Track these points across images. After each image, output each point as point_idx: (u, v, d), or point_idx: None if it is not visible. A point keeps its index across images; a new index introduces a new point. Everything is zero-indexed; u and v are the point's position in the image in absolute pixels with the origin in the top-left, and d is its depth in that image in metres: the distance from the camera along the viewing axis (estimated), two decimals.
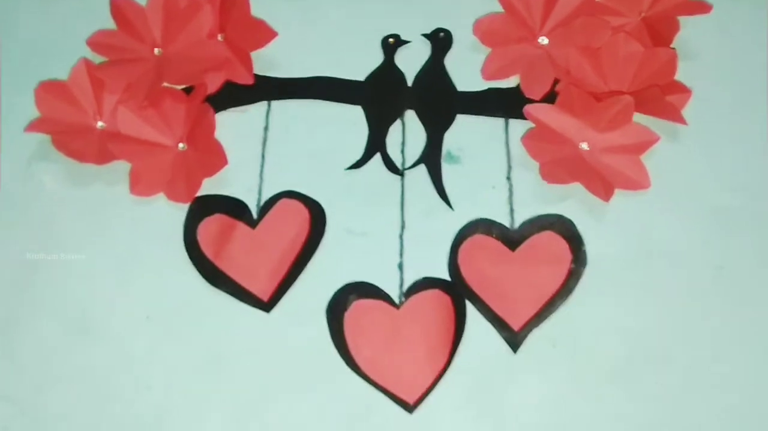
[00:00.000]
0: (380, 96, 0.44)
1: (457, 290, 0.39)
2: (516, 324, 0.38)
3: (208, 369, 0.37)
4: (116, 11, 0.44)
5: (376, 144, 0.42)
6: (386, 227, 0.40)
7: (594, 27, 0.43)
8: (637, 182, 0.40)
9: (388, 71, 0.44)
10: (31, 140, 0.42)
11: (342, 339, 0.38)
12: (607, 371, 0.37)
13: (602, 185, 0.40)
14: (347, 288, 0.39)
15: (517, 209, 0.41)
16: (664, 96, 0.41)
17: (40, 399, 0.37)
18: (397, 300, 0.39)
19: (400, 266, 0.39)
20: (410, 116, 0.43)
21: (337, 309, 0.38)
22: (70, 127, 0.41)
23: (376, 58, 0.45)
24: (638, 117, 0.41)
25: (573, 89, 0.40)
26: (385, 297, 0.39)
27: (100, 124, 0.42)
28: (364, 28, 0.45)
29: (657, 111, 0.41)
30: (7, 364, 0.37)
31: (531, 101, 0.42)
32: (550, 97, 0.42)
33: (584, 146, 0.41)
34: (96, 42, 0.43)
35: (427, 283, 0.39)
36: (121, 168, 0.41)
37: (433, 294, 0.38)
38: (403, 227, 0.40)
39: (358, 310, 0.38)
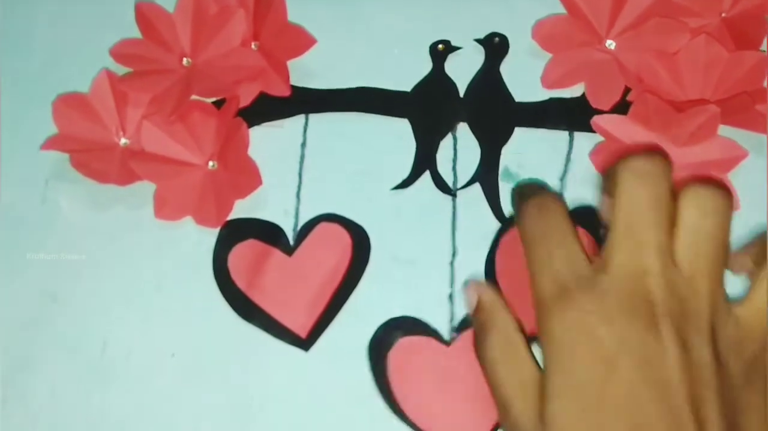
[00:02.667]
0: (429, 108, 0.39)
1: None
2: None
3: (239, 413, 0.34)
4: (141, 18, 0.40)
5: (424, 161, 0.38)
6: (436, 254, 0.36)
7: (669, 29, 0.38)
8: None
9: (437, 81, 0.40)
10: (48, 158, 0.38)
11: (386, 382, 0.34)
12: None
13: None
14: (391, 324, 0.35)
15: None
16: (753, 105, 0.36)
17: None
18: (447, 337, 0.34)
19: (451, 298, 0.35)
20: (463, 129, 0.39)
21: (380, 348, 0.34)
22: (91, 144, 0.38)
23: (424, 67, 0.40)
24: (722, 130, 0.36)
25: (650, 98, 0.36)
26: (433, 334, 0.35)
27: (123, 141, 0.39)
28: (411, 34, 0.41)
29: (745, 122, 0.36)
30: (20, 409, 0.34)
31: (598, 112, 0.38)
32: (619, 108, 0.38)
33: None
34: (119, 52, 0.40)
35: None
36: (145, 190, 0.37)
37: None
38: (454, 253, 0.36)
39: (403, 349, 0.34)
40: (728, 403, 0.25)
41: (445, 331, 0.35)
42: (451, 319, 0.35)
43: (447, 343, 0.34)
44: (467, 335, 0.34)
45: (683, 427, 0.24)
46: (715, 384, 0.26)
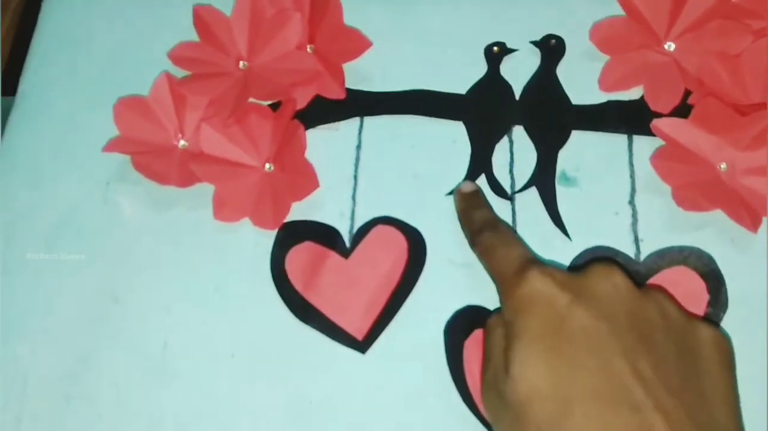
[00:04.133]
0: (484, 111, 0.39)
1: None
2: None
3: (296, 414, 0.34)
4: (199, 22, 0.41)
5: (480, 164, 0.38)
6: None
7: (731, 31, 0.38)
8: None
9: (492, 83, 0.40)
10: (109, 160, 0.39)
11: (461, 371, 0.34)
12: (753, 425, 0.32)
13: (748, 213, 0.34)
14: (467, 312, 0.35)
15: (643, 239, 0.36)
16: None
17: None
18: None
19: None
20: (519, 132, 0.39)
21: (456, 336, 0.34)
22: (151, 146, 0.39)
23: (480, 69, 0.40)
24: None
25: (712, 101, 0.35)
26: None
27: (181, 143, 0.39)
28: (466, 36, 0.41)
29: None
30: (83, 404, 0.34)
31: (657, 115, 0.37)
32: (678, 111, 0.37)
33: (723, 166, 0.36)
34: (177, 55, 0.40)
35: None
36: (204, 191, 0.38)
37: None
38: None
39: (479, 339, 0.34)
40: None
41: None
42: None
43: None
44: None
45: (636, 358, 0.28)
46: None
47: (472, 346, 0.34)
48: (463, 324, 0.35)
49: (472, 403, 0.33)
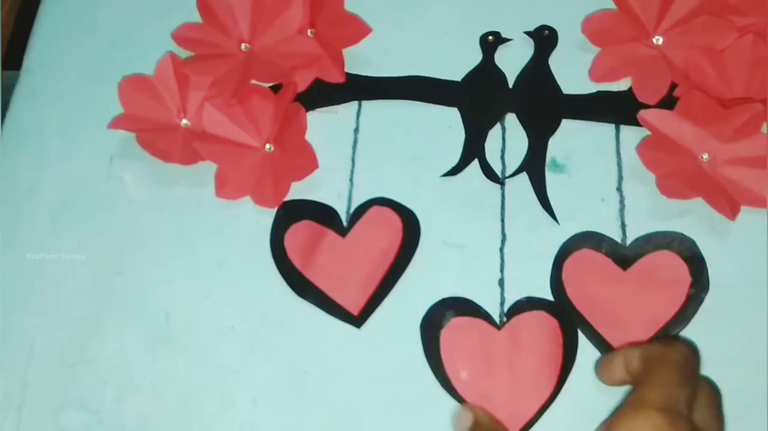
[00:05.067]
0: (478, 98, 0.41)
1: (565, 313, 0.36)
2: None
3: (294, 384, 0.35)
4: (202, 4, 0.42)
5: (473, 149, 0.40)
6: (484, 240, 0.38)
7: (717, 27, 0.39)
8: (766, 198, 0.36)
9: (487, 71, 0.41)
10: (114, 136, 0.40)
11: (438, 358, 0.35)
12: (730, 407, 0.34)
13: (727, 202, 0.36)
14: (444, 303, 0.36)
15: (629, 224, 0.37)
16: None
17: (120, 409, 0.35)
18: (497, 320, 0.36)
19: (501, 283, 0.37)
20: (511, 119, 0.40)
21: (432, 326, 0.36)
22: (155, 124, 0.40)
23: (475, 58, 0.42)
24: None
25: (696, 94, 0.37)
26: (485, 316, 0.36)
27: (184, 122, 0.40)
28: (462, 25, 0.42)
29: None
30: (88, 370, 0.36)
31: (644, 106, 0.39)
32: (665, 103, 0.39)
33: (705, 157, 0.37)
34: (181, 35, 0.42)
35: (530, 304, 0.36)
36: (205, 169, 0.39)
37: (539, 316, 0.35)
38: (503, 240, 0.37)
39: (455, 328, 0.36)
40: None
41: (495, 314, 0.36)
42: (502, 303, 0.36)
43: (498, 326, 0.36)
44: (518, 320, 0.36)
45: None
46: None
47: (449, 335, 0.35)
48: (438, 315, 0.36)
49: (448, 387, 0.35)
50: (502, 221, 0.38)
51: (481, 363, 0.35)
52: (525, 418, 0.34)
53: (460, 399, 0.35)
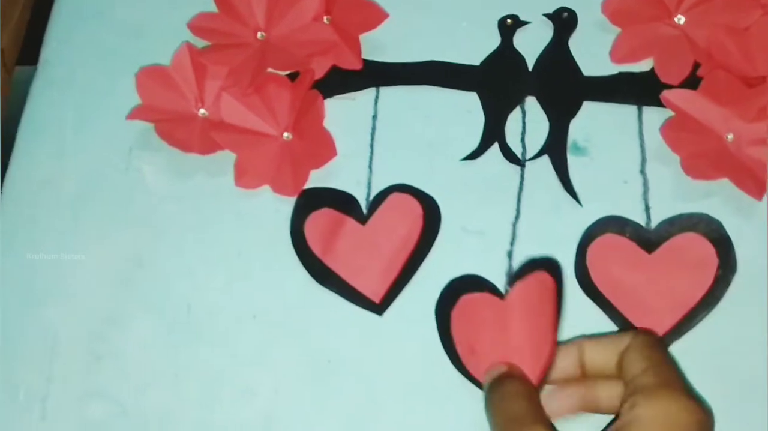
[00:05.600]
0: (498, 82, 0.40)
1: (557, 266, 0.36)
2: None
3: (316, 373, 0.35)
4: None
5: (493, 133, 0.39)
6: (505, 225, 0.37)
7: (740, 4, 0.39)
8: None
9: (506, 55, 0.41)
10: (132, 127, 0.40)
11: (450, 340, 0.35)
12: (757, 391, 0.33)
13: (753, 182, 0.36)
14: (453, 284, 0.36)
15: (653, 207, 0.37)
16: None
17: (143, 399, 0.35)
18: (503, 290, 0.35)
19: (510, 254, 0.36)
20: (531, 103, 0.40)
21: (444, 308, 0.35)
22: (172, 115, 0.40)
23: (493, 41, 0.41)
24: None
25: (720, 74, 0.36)
26: (491, 289, 0.35)
27: (201, 111, 0.40)
28: (480, 9, 0.42)
29: None
30: (111, 362, 0.36)
31: (667, 87, 0.38)
32: (688, 83, 0.38)
33: (730, 137, 0.37)
34: (197, 26, 0.41)
35: (530, 266, 0.35)
36: (224, 159, 0.39)
37: (537, 277, 0.33)
38: (517, 216, 0.37)
39: (463, 306, 0.35)
40: None
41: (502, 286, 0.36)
42: (508, 271, 0.36)
43: (502, 297, 0.35)
44: (518, 287, 0.34)
45: None
46: None
47: (459, 314, 0.35)
48: (450, 295, 0.35)
49: (462, 368, 0.34)
50: (518, 200, 0.37)
51: (489, 336, 0.34)
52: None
53: (471, 378, 0.34)
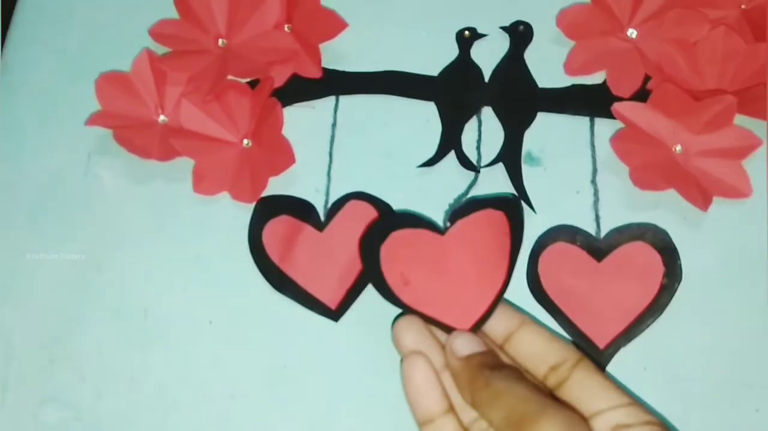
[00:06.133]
0: (455, 92, 0.41)
1: (510, 203, 0.36)
2: (602, 342, 0.35)
3: (273, 378, 0.36)
4: (179, 0, 0.42)
5: (450, 141, 0.40)
6: None
7: (689, 20, 0.40)
8: (738, 189, 0.37)
9: (463, 66, 0.42)
10: (91, 133, 0.40)
11: (378, 271, 0.34)
12: (702, 396, 0.34)
13: (699, 193, 0.37)
14: (386, 220, 0.37)
15: (603, 216, 0.38)
16: None
17: (99, 404, 0.35)
18: (442, 227, 0.36)
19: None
20: (487, 113, 0.40)
21: (371, 242, 0.35)
22: (132, 121, 0.40)
23: (451, 53, 0.42)
24: (738, 119, 0.38)
25: (669, 87, 0.37)
26: (428, 226, 0.35)
27: (161, 118, 0.40)
28: (438, 21, 0.42)
29: (760, 112, 0.38)
30: (67, 367, 0.36)
31: (619, 99, 0.39)
32: (639, 95, 0.39)
33: (678, 148, 0.38)
34: (158, 32, 0.41)
35: (474, 205, 0.35)
36: (183, 165, 0.39)
37: (484, 214, 0.34)
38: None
39: (395, 240, 0.35)
40: None
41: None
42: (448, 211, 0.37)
43: (442, 232, 0.35)
44: (462, 222, 0.35)
45: None
46: None
47: (390, 247, 0.35)
48: (381, 231, 0.35)
49: (394, 299, 0.34)
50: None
51: (425, 268, 0.34)
52: (478, 313, 0.33)
53: (407, 308, 0.34)
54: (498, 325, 0.31)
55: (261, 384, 0.36)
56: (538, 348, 0.30)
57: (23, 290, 0.37)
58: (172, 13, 0.42)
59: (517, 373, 0.30)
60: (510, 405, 0.28)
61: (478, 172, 0.39)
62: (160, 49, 0.41)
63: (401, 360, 0.32)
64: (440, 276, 0.34)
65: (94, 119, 0.39)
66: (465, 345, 0.31)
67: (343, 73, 0.41)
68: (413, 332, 0.32)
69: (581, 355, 0.30)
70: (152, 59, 0.40)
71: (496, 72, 0.41)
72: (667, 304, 0.36)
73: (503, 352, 0.32)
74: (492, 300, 0.33)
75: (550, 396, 0.29)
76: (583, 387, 0.29)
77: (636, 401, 0.29)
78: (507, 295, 0.34)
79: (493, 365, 0.30)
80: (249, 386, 0.35)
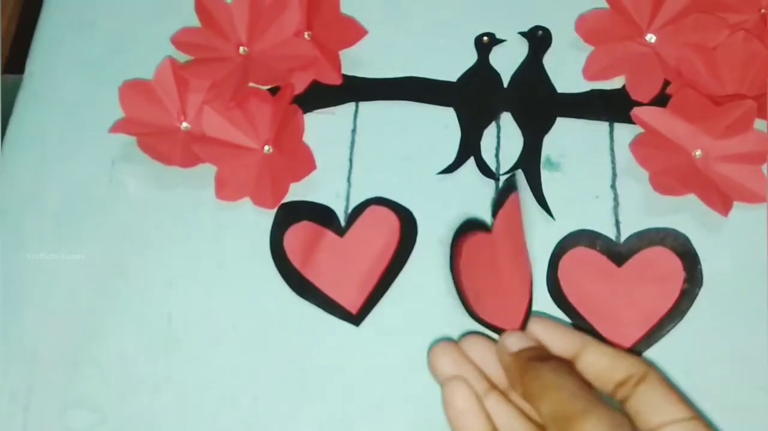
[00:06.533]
0: (474, 98, 0.41)
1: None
2: (622, 347, 0.35)
3: (295, 383, 0.36)
4: (200, 8, 0.42)
5: (469, 148, 0.40)
6: None
7: (709, 25, 0.40)
8: (758, 194, 0.37)
9: (482, 71, 0.42)
10: (115, 140, 0.40)
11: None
12: (723, 402, 0.34)
13: (720, 198, 0.37)
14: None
15: (623, 221, 0.38)
16: None
17: (124, 408, 0.36)
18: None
19: None
20: (506, 118, 0.41)
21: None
22: (155, 128, 0.40)
23: (470, 58, 0.42)
24: (758, 124, 0.38)
25: (689, 92, 0.37)
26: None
27: (184, 125, 0.41)
28: (457, 27, 0.43)
29: None
30: (92, 371, 0.36)
31: (638, 104, 0.39)
32: (658, 100, 0.40)
33: (698, 153, 0.38)
34: (180, 40, 0.42)
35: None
36: (205, 172, 0.39)
37: (512, 201, 0.33)
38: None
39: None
40: None
41: None
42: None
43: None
44: (500, 216, 0.33)
45: None
46: None
47: (461, 260, 0.35)
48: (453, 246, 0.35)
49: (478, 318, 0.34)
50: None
51: (484, 277, 0.34)
52: (522, 311, 0.32)
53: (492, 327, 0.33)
54: (562, 347, 0.31)
55: (283, 389, 0.36)
56: (603, 366, 0.30)
57: (48, 297, 0.38)
58: (194, 22, 0.43)
59: (568, 367, 0.30)
60: (558, 399, 0.28)
61: (498, 180, 0.39)
62: (182, 57, 0.42)
63: (441, 387, 0.32)
64: (493, 285, 0.33)
65: (117, 127, 0.40)
66: (515, 341, 0.31)
67: (363, 79, 0.42)
68: (450, 358, 0.32)
69: (647, 368, 0.30)
70: (175, 67, 0.41)
71: (515, 78, 0.41)
72: (687, 309, 0.36)
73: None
74: (529, 298, 0.33)
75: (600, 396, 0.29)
76: (647, 401, 0.29)
77: (699, 415, 0.29)
78: None
79: (543, 358, 0.30)
80: (271, 390, 0.36)
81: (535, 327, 0.31)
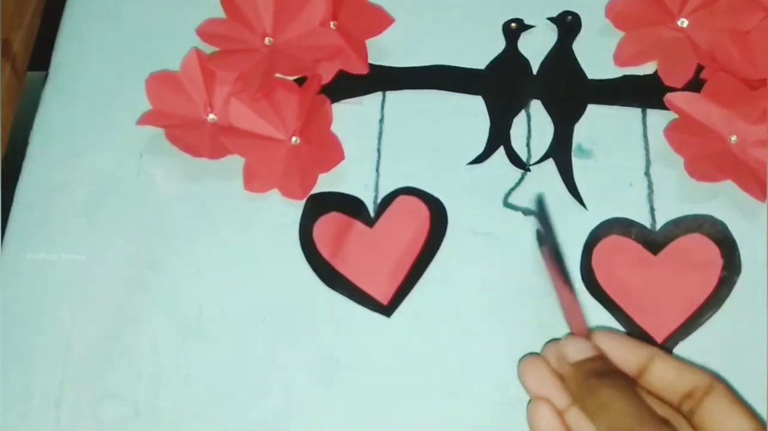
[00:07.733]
0: (503, 85, 0.41)
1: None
2: (659, 337, 0.35)
3: (326, 374, 0.36)
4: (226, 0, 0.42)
5: (498, 137, 0.40)
6: (513, 227, 0.38)
7: (742, 8, 0.39)
8: None
9: (510, 59, 0.41)
10: (142, 132, 0.40)
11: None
12: (760, 389, 0.34)
13: (757, 183, 0.36)
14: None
15: (658, 209, 0.37)
16: None
17: (156, 400, 0.36)
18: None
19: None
20: (536, 106, 0.40)
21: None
22: (182, 120, 0.40)
23: (498, 45, 0.42)
24: None
25: (724, 76, 0.37)
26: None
27: (211, 116, 0.41)
28: (485, 13, 0.42)
29: None
30: (123, 363, 0.36)
31: (671, 89, 0.39)
32: (690, 85, 0.39)
33: (734, 139, 0.37)
34: (206, 31, 0.42)
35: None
36: (233, 163, 0.39)
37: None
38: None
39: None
40: None
41: None
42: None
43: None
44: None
45: None
46: None
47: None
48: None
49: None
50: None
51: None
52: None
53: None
54: (629, 360, 0.31)
55: (314, 380, 0.36)
56: (669, 379, 0.30)
57: (80, 289, 0.38)
58: (219, 13, 0.42)
59: (625, 383, 0.30)
60: (612, 419, 0.28)
61: (528, 170, 0.39)
62: (208, 49, 0.41)
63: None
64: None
65: (145, 119, 0.40)
66: (576, 350, 0.31)
67: (390, 68, 0.41)
68: (534, 374, 0.32)
69: (713, 380, 0.29)
70: (201, 58, 0.40)
71: (544, 64, 0.41)
72: (726, 297, 0.35)
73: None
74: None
75: (655, 415, 0.29)
76: (712, 413, 0.29)
77: (765, 426, 0.28)
78: None
79: (602, 372, 0.30)
80: (302, 382, 0.36)
81: (602, 339, 0.31)
